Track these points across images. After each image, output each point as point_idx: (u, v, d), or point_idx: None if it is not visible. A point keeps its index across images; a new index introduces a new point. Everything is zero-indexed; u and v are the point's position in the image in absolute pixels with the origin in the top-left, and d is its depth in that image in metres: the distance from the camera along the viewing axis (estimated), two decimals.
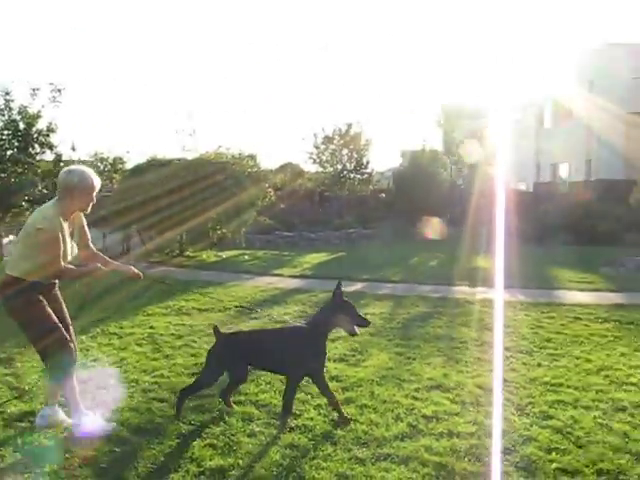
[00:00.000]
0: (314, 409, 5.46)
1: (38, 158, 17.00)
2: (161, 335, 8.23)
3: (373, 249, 18.69)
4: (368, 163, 26.06)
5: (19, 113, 16.61)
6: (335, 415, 5.23)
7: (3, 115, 16.58)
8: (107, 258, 5.37)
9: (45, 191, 16.36)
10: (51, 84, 16.73)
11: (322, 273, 14.24)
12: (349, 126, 25.24)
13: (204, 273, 14.65)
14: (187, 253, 18.21)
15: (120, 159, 32.42)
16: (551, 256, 17.15)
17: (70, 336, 5.11)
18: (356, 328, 5.31)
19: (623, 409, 5.59)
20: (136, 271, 5.38)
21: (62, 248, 4.86)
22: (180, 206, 15.91)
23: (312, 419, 5.24)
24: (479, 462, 4.49)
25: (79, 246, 5.17)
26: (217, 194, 16.70)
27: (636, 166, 26.18)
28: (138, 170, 18.52)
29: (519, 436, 4.90)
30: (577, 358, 7.28)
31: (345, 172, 25.68)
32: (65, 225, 4.91)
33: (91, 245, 5.33)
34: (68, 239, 4.96)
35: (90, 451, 4.56)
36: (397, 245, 20.18)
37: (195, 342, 7.86)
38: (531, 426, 5.15)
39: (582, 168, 31.08)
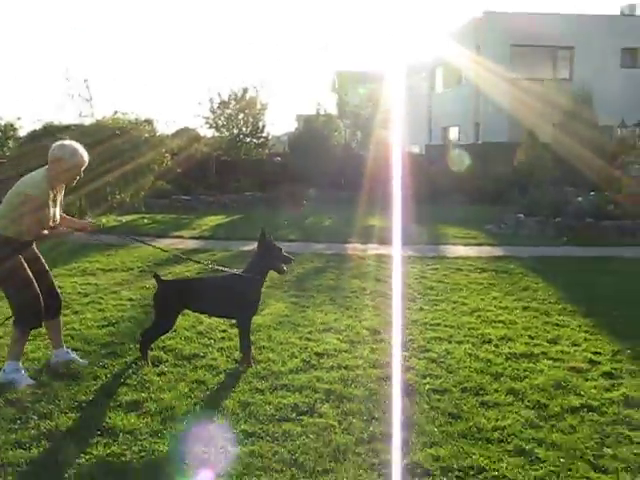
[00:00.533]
0: (217, 351, 6.03)
1: None
2: (68, 294, 8.46)
3: (269, 212, 19.20)
4: (264, 127, 26.34)
5: None
6: (238, 356, 5.78)
7: None
8: (67, 217, 5.78)
9: None
10: None
11: (220, 234, 14.74)
12: (245, 90, 25.42)
13: (104, 236, 14.80)
14: (86, 218, 18.22)
15: (11, 125, 31.67)
16: (440, 215, 18.10)
17: (51, 283, 5.67)
18: (284, 266, 5.90)
19: (489, 341, 6.41)
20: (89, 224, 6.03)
21: (46, 214, 5.21)
22: None
23: (216, 359, 5.81)
24: (364, 387, 5.15)
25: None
26: (115, 159, 16.78)
27: (519, 129, 27.56)
28: (34, 136, 18.33)
29: (400, 366, 5.58)
30: (454, 302, 8.11)
31: (241, 136, 25.92)
32: (51, 194, 5.25)
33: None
34: (52, 207, 5.30)
35: (14, 393, 4.95)
36: (292, 207, 20.69)
37: (102, 299, 8.22)
38: (410, 358, 5.87)
39: (471, 131, 32.37)
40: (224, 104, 25.45)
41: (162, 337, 6.08)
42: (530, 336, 6.62)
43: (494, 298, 8.38)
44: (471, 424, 4.48)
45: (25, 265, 5.33)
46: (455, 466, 3.88)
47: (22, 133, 25.37)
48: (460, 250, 12.58)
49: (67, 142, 5.45)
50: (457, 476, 3.79)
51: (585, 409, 4.77)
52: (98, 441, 4.21)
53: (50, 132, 18.04)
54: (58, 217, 5.48)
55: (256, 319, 6.98)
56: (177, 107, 73.78)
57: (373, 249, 12.52)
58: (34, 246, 5.54)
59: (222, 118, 25.58)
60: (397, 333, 6.58)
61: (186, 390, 5.07)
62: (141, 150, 17.96)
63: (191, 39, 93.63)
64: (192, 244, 13.51)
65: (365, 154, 26.27)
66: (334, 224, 17.10)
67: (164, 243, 13.41)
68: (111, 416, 4.57)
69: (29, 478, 3.81)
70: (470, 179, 23.59)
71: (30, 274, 5.35)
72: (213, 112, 25.55)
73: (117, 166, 16.91)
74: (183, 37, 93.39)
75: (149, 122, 20.53)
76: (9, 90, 72.34)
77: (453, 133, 35.61)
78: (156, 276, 5.89)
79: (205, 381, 5.28)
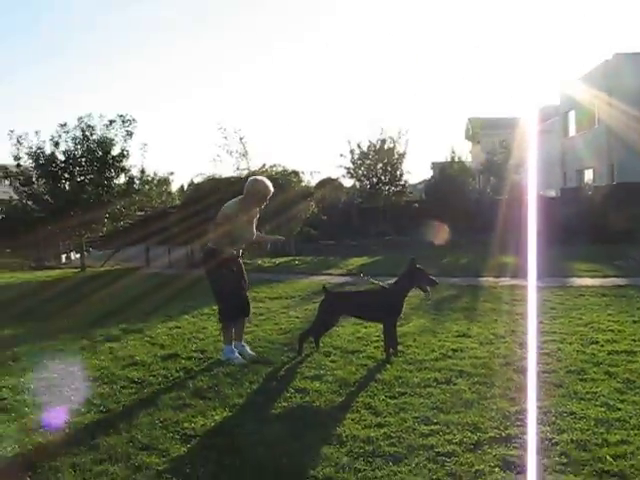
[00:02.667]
0: (374, 348, 7.77)
1: (114, 182, 19.60)
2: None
3: (408, 253, 20.78)
4: (402, 176, 28.21)
5: (95, 142, 19.23)
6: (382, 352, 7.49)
7: (82, 145, 19.19)
8: (261, 234, 8.15)
9: (123, 209, 18.99)
10: (121, 116, 19.37)
11: (365, 271, 16.44)
12: (383, 142, 27.42)
13: (263, 275, 16.94)
14: (245, 260, 20.49)
15: (165, 180, 35.20)
16: (571, 254, 19.10)
17: (244, 293, 7.73)
18: (428, 288, 7.63)
19: (596, 342, 7.80)
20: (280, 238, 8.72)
21: (237, 228, 7.36)
22: None
23: (373, 353, 7.56)
24: (488, 369, 6.69)
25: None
26: (268, 208, 19.00)
27: None
28: (198, 188, 20.91)
29: (517, 357, 7.07)
30: (571, 317, 9.48)
31: (380, 185, 27.84)
32: (245, 215, 7.36)
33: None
34: (248, 225, 7.48)
35: (231, 367, 6.88)
36: (430, 249, 22.22)
37: (275, 317, 10.21)
38: (527, 352, 7.33)
39: (605, 173, 32.84)
40: (364, 155, 27.48)
41: (329, 338, 7.88)
42: (634, 340, 7.91)
43: (609, 314, 9.65)
44: (570, 390, 5.93)
45: (232, 275, 7.34)
46: (552, 410, 5.36)
47: (175, 186, 28.42)
48: (585, 281, 13.70)
49: (259, 177, 7.54)
50: (554, 419, 5.25)
51: None
52: (295, 395, 6.02)
53: (212, 184, 20.61)
54: (254, 232, 7.62)
55: (402, 329, 8.66)
56: (320, 158, 77.29)
57: (504, 281, 13.89)
58: (241, 262, 7.55)
59: (362, 168, 27.61)
60: (518, 337, 8.08)
61: (353, 369, 6.83)
62: (291, 199, 20.12)
63: (332, 92, 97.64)
64: (341, 279, 15.34)
65: (499, 198, 27.52)
66: (469, 262, 18.49)
67: (316, 279, 15.32)
68: (302, 382, 6.38)
69: (254, 402, 5.63)
70: (604, 219, 24.29)
71: (234, 282, 7.36)
72: (354, 163, 27.63)
73: (271, 214, 19.14)
74: (324, 91, 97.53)
75: (296, 173, 22.79)
76: (163, 145, 78.22)
77: (588, 175, 36.09)
78: (324, 287, 7.80)
79: (367, 364, 7.03)
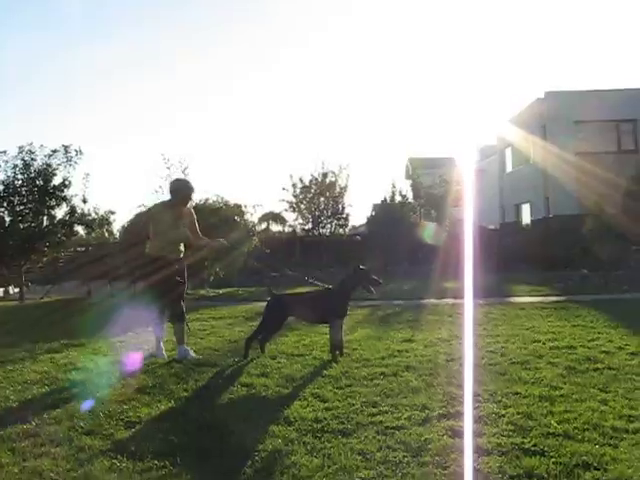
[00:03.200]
0: (320, 351, 7.74)
1: (55, 211, 19.27)
2: (192, 330, 10.39)
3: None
4: (344, 209, 28.41)
5: (36, 171, 18.88)
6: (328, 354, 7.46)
7: (23, 174, 18.84)
8: (205, 239, 8.13)
9: (63, 238, 18.67)
10: (64, 146, 19.12)
11: None
12: (324, 175, 27.64)
13: (207, 302, 16.79)
14: (187, 291, 20.25)
15: (107, 219, 34.80)
16: (511, 279, 19.46)
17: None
18: (372, 288, 7.68)
19: (538, 341, 7.96)
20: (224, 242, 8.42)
21: (159, 225, 7.55)
22: None
23: (319, 355, 7.54)
24: (434, 364, 6.73)
25: (192, 232, 7.79)
26: (211, 236, 18.94)
27: (588, 201, 28.81)
28: (136, 221, 20.69)
29: (463, 355, 7.14)
30: (514, 324, 9.66)
31: (322, 218, 28.00)
32: (167, 214, 7.53)
33: (198, 232, 7.94)
34: (171, 223, 7.58)
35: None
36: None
37: (220, 332, 10.11)
38: (472, 352, 7.41)
39: (542, 206, 33.64)
40: (306, 188, 27.62)
41: (274, 345, 7.85)
42: (573, 338, 8.12)
43: (549, 321, 9.87)
44: (514, 376, 6.02)
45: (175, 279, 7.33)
46: (498, 392, 5.41)
47: (116, 225, 28.28)
48: (526, 299, 13.95)
49: (181, 177, 7.68)
50: (500, 398, 5.29)
51: (606, 369, 6.24)
52: (241, 389, 5.95)
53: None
54: (185, 233, 7.71)
55: (347, 337, 8.65)
56: (262, 192, 77.26)
57: (447, 302, 14.04)
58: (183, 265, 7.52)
59: (304, 202, 27.72)
60: (462, 340, 8.16)
61: (299, 367, 6.80)
62: (233, 230, 20.08)
63: (276, 127, 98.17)
64: None
65: (439, 231, 27.95)
66: (412, 287, 18.62)
67: (259, 305, 15.20)
68: (248, 379, 6.31)
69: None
70: (541, 250, 24.89)
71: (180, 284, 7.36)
72: (296, 196, 27.73)
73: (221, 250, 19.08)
74: (260, 123, 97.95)
75: (239, 207, 22.75)
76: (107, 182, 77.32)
77: (525, 210, 36.93)
78: (270, 290, 7.75)
79: (314, 364, 7.00)
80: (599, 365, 6.41)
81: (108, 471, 3.89)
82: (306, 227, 28.03)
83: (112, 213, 30.07)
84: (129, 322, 11.49)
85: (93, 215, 26.75)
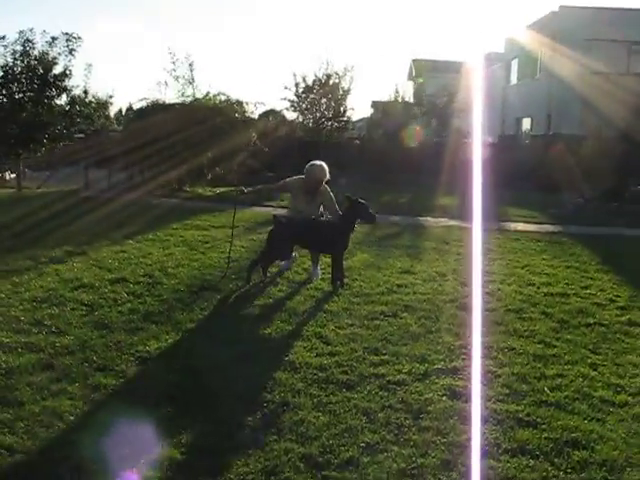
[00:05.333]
0: (321, 280, 7.91)
1: (55, 101, 18.97)
2: (191, 241, 10.58)
3: (347, 190, 20.90)
4: (345, 112, 28.10)
5: (36, 59, 18.47)
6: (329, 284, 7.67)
7: (22, 61, 18.43)
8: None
9: (64, 131, 18.52)
10: (66, 34, 18.65)
11: None
12: (328, 77, 27.18)
13: (205, 204, 16.88)
14: (185, 188, 20.32)
15: (104, 103, 34.39)
16: (507, 199, 19.46)
17: None
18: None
19: (533, 284, 8.19)
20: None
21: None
22: (180, 146, 18.07)
23: (320, 284, 7.71)
24: (433, 304, 6.95)
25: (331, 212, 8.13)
26: (214, 136, 18.84)
27: (592, 121, 28.62)
28: (143, 113, 20.50)
29: (460, 295, 7.35)
30: (509, 260, 9.85)
31: (323, 120, 27.74)
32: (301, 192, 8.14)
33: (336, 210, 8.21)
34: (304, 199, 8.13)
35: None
36: (369, 187, 22.34)
37: (220, 245, 10.23)
38: (469, 291, 7.62)
39: (543, 122, 33.40)
40: (308, 88, 27.22)
41: (276, 269, 8.04)
42: (567, 283, 8.32)
43: (543, 259, 10.07)
44: (510, 328, 6.25)
45: None
46: (494, 346, 5.65)
47: (113, 110, 27.78)
48: (520, 226, 14.13)
49: (317, 162, 8.31)
50: (496, 354, 5.52)
51: (597, 324, 6.47)
52: (245, 321, 6.17)
53: (157, 109, 20.27)
54: (310, 210, 8.18)
55: (347, 263, 8.82)
56: (264, 90, 76.27)
57: (443, 222, 14.21)
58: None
59: (306, 102, 27.39)
60: (459, 276, 8.37)
61: (301, 299, 7.02)
62: (234, 129, 19.94)
63: (275, 22, 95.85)
64: (280, 212, 15.38)
65: (441, 141, 27.84)
66: (409, 202, 18.72)
67: (259, 210, 15.36)
68: (252, 309, 6.52)
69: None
70: (539, 169, 24.88)
71: None
72: (298, 96, 27.37)
73: (216, 142, 18.98)
74: (266, 21, 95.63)
75: (240, 103, 22.47)
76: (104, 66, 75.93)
77: (526, 124, 36.67)
78: (274, 216, 7.87)
79: (315, 295, 7.22)
80: (590, 320, 6.62)
81: (124, 416, 4.08)
82: (306, 128, 27.76)
83: (111, 97, 29.69)
84: (128, 226, 11.68)
85: (93, 101, 26.53)
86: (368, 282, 7.93)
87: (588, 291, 7.94)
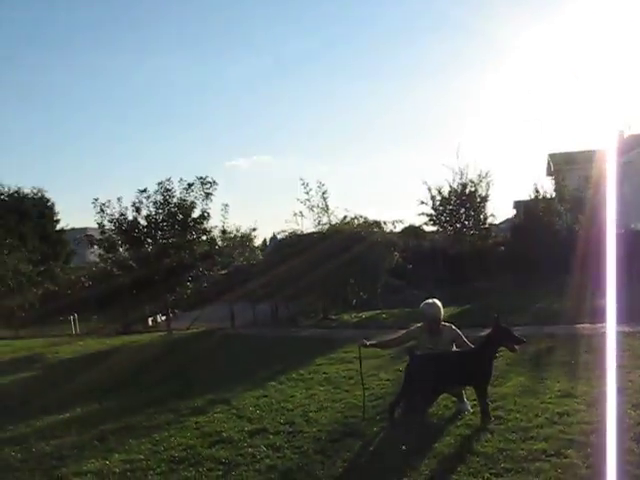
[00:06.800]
0: (472, 414, 7.25)
1: (195, 243, 19.74)
2: (335, 378, 10.21)
3: (495, 299, 20.09)
4: (485, 219, 27.45)
5: (176, 205, 19.41)
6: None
7: (163, 209, 19.40)
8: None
9: (205, 271, 19.09)
10: (201, 178, 19.55)
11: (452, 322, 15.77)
12: (464, 186, 26.77)
13: (351, 332, 16.55)
14: (330, 316, 20.20)
15: (248, 236, 35.64)
16: None
17: None
18: (515, 346, 7.21)
19: None
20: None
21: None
22: (322, 275, 18.06)
23: (471, 419, 7.05)
24: (601, 436, 6.11)
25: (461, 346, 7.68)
26: (353, 262, 18.76)
27: None
28: (282, 244, 20.87)
29: (634, 422, 6.48)
30: None
31: (464, 230, 27.20)
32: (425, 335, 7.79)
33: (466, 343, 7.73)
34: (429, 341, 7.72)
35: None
36: (519, 294, 21.37)
37: (365, 380, 9.74)
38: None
39: None
40: (445, 200, 26.88)
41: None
42: None
43: None
44: None
45: None
46: None
47: (257, 242, 28.72)
48: None
49: (431, 301, 7.89)
50: None
51: None
52: (391, 475, 5.59)
53: (294, 240, 20.56)
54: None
55: (501, 389, 8.16)
56: (400, 206, 77.11)
57: (602, 328, 13.10)
58: None
59: (444, 214, 27.00)
60: (630, 396, 7.47)
61: (449, 441, 6.37)
62: (374, 251, 19.79)
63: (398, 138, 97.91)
64: None
65: (587, 236, 26.50)
66: (563, 307, 17.58)
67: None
68: (395, 458, 5.96)
69: None
70: None
71: None
72: (435, 209, 27.04)
73: (356, 268, 18.87)
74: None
75: (378, 224, 22.41)
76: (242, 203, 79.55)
77: None
78: (410, 350, 7.35)
79: (465, 434, 6.55)
80: None
81: None
82: (448, 240, 27.26)
83: (254, 229, 30.64)
84: (271, 365, 11.50)
85: (235, 233, 27.39)
86: (525, 412, 7.17)
87: None
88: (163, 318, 22.43)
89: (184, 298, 21.16)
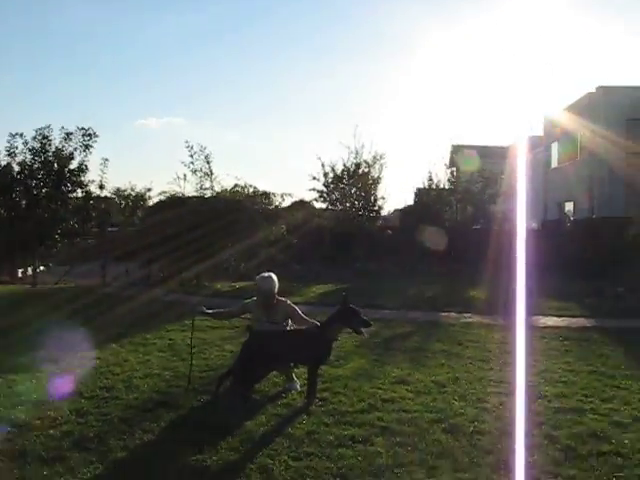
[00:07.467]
0: (297, 394, 6.95)
1: (70, 196, 18.77)
2: (179, 344, 9.79)
3: (376, 281, 20.05)
4: (376, 201, 27.40)
5: (54, 155, 18.39)
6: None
7: (39, 157, 18.36)
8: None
9: (76, 226, 18.17)
10: (82, 129, 18.57)
11: (323, 301, 15.54)
12: (357, 166, 26.64)
13: (219, 300, 16.07)
14: (204, 283, 19.63)
15: (142, 196, 34.57)
16: (543, 288, 18.29)
17: None
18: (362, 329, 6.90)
19: (544, 397, 7.04)
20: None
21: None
22: (199, 243, 17.45)
23: (295, 399, 6.73)
24: (416, 426, 5.90)
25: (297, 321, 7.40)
26: (234, 232, 18.22)
27: (634, 203, 27.48)
28: (160, 207, 20.11)
29: (452, 413, 6.31)
30: (526, 365, 8.66)
31: (354, 210, 27.09)
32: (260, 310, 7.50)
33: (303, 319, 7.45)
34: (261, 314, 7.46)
35: None
36: (398, 278, 21.39)
37: (207, 350, 9.39)
38: (465, 407, 6.57)
39: (586, 206, 32.25)
40: (338, 179, 26.67)
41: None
42: (585, 395, 7.16)
43: (565, 362, 8.92)
44: (499, 458, 5.16)
45: None
46: None
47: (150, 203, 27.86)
48: (551, 321, 12.97)
49: (266, 274, 7.58)
50: None
51: (612, 454, 5.31)
52: (188, 450, 5.22)
53: (174, 202, 19.84)
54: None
55: (337, 371, 7.91)
56: (292, 180, 76.66)
57: (466, 318, 13.14)
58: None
59: (336, 193, 26.81)
60: (460, 387, 7.32)
61: (263, 420, 6.05)
62: (259, 222, 19.30)
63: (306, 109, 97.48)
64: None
65: (476, 228, 26.92)
66: (436, 295, 17.67)
67: None
68: (199, 433, 5.58)
69: None
70: (581, 255, 23.56)
71: None
72: (327, 186, 26.80)
73: (236, 239, 18.34)
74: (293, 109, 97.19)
75: (266, 195, 21.97)
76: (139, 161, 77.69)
77: (568, 208, 35.55)
78: (249, 327, 7.00)
79: (282, 414, 6.24)
80: (605, 446, 5.48)
81: None
82: (338, 219, 27.07)
83: (149, 190, 29.72)
84: (123, 327, 10.95)
85: (130, 192, 26.41)
86: (351, 396, 6.91)
87: (609, 405, 6.77)
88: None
89: (55, 252, 20.19)
